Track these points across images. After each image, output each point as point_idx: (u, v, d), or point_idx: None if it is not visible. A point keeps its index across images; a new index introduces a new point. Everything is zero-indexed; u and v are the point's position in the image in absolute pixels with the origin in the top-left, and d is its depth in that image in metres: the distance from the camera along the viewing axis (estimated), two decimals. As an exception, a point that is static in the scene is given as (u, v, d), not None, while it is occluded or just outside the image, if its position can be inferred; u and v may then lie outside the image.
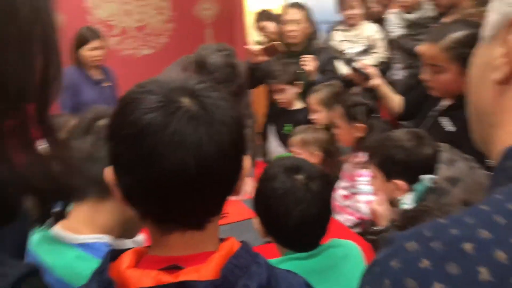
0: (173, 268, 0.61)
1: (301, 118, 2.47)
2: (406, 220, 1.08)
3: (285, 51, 2.69)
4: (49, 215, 0.59)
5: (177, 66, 2.27)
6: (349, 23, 2.97)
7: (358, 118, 1.85)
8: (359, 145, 1.87)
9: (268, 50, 2.53)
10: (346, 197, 1.91)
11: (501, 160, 0.44)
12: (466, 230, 0.35)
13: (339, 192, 1.94)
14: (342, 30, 3.02)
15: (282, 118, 2.58)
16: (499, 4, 0.47)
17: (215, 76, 1.94)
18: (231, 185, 0.65)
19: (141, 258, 0.64)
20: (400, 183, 1.32)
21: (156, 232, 0.64)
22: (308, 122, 2.41)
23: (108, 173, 0.63)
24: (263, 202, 1.05)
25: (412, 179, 1.29)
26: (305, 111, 2.50)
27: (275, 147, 2.64)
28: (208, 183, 0.60)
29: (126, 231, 0.93)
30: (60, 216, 0.94)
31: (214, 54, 1.99)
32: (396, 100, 2.05)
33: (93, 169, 0.83)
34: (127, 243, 0.95)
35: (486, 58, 0.47)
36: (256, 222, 1.08)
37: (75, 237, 0.86)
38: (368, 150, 1.49)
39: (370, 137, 1.82)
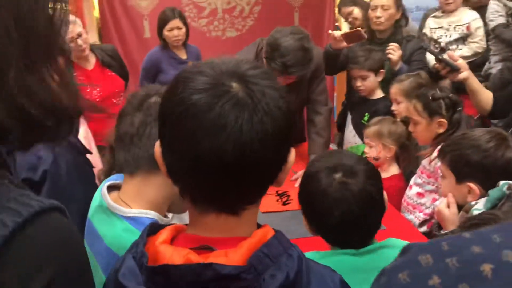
0: (205, 248, 0.62)
1: (381, 108, 2.37)
2: (467, 228, 0.99)
3: (369, 38, 2.58)
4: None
5: (253, 47, 2.27)
6: (446, 9, 2.76)
7: (439, 112, 1.72)
8: (439, 141, 1.74)
9: (351, 37, 2.42)
10: (420, 195, 1.80)
11: None
12: (490, 250, 0.30)
13: (414, 189, 1.83)
14: (437, 17, 2.81)
15: (361, 107, 2.48)
16: None
17: (287, 59, 1.93)
18: (270, 176, 0.64)
19: (178, 235, 0.66)
20: (474, 186, 1.21)
21: (193, 212, 0.65)
22: (388, 113, 2.30)
23: (156, 148, 0.65)
24: (305, 200, 1.04)
25: (488, 184, 1.18)
26: (386, 101, 2.39)
27: (352, 137, 2.56)
28: (245, 171, 0.59)
29: (174, 206, 0.96)
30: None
31: (287, 37, 1.96)
32: (486, 96, 1.86)
33: (142, 144, 0.87)
34: (173, 219, 0.98)
35: None
36: (304, 219, 1.07)
37: (125, 210, 0.90)
38: (441, 147, 1.38)
39: (452, 134, 1.69)
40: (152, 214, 0.89)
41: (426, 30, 2.79)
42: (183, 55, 3.20)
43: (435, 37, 2.72)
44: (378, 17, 2.50)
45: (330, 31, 2.46)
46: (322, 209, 0.99)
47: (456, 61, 1.84)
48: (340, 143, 2.78)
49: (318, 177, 1.00)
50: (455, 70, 1.85)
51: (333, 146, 2.94)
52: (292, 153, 0.66)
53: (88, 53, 2.74)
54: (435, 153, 1.70)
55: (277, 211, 1.90)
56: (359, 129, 2.47)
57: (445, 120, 1.71)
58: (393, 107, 2.19)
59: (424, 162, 1.78)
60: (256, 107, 0.58)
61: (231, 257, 0.59)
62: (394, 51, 2.38)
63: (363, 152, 2.38)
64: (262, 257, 0.59)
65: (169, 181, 0.66)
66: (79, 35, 2.64)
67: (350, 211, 0.97)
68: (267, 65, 2.04)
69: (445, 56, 1.92)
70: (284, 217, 1.83)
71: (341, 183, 0.98)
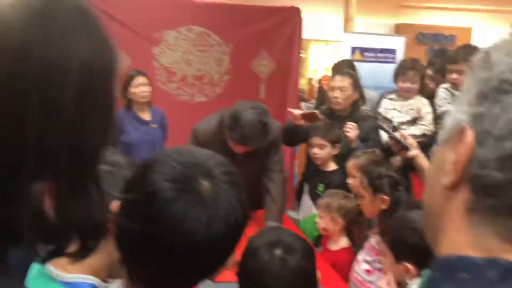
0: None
1: (334, 180, 2.48)
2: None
3: (329, 114, 2.74)
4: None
5: (216, 117, 2.38)
6: (403, 96, 2.98)
7: (383, 190, 1.81)
8: (382, 219, 1.81)
9: (308, 117, 2.59)
10: (369, 272, 1.83)
11: (432, 270, 0.44)
12: None
13: (362, 266, 1.86)
14: (392, 99, 3.02)
15: (316, 178, 2.59)
16: (455, 110, 0.48)
17: (245, 131, 2.08)
18: (206, 271, 0.70)
19: None
20: (410, 267, 1.27)
21: None
22: (342, 185, 2.40)
23: (114, 209, 0.68)
24: (245, 275, 1.07)
25: (423, 265, 1.23)
26: (339, 173, 2.49)
27: (308, 206, 2.62)
28: (189, 263, 0.64)
29: (113, 273, 0.96)
30: (58, 252, 0.99)
31: (248, 111, 2.10)
32: None
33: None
34: (112, 286, 0.98)
35: (440, 160, 0.48)
36: None
37: (62, 275, 0.90)
38: (382, 228, 1.45)
39: (394, 211, 1.77)
40: (90, 279, 0.89)
41: (381, 110, 2.98)
42: (147, 117, 3.23)
43: (389, 116, 2.90)
44: (335, 97, 2.68)
45: (289, 109, 2.62)
46: (263, 285, 1.02)
47: (407, 140, 2.00)
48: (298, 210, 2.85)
49: (258, 252, 1.04)
50: (405, 148, 2.01)
51: (294, 213, 2.99)
52: (233, 255, 0.72)
53: None
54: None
55: (230, 282, 1.87)
56: (314, 199, 2.54)
57: (387, 198, 1.79)
58: (349, 181, 2.27)
59: (373, 240, 1.84)
60: (217, 212, 0.64)
61: None
62: (351, 130, 2.53)
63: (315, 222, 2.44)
64: None
65: (111, 248, 0.68)
66: None
67: (289, 287, 1.00)
68: (228, 135, 2.15)
69: (397, 135, 2.06)
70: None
71: (281, 259, 1.02)
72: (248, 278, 1.06)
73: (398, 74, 2.98)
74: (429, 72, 3.19)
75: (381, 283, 1.35)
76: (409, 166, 2.30)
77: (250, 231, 2.53)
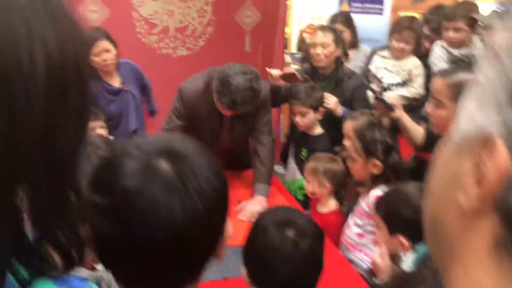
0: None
1: (319, 144, 2.44)
2: (397, 286, 1.01)
3: (311, 73, 2.65)
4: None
5: (203, 77, 2.28)
6: (395, 55, 2.87)
7: (376, 155, 1.77)
8: (375, 182, 1.79)
9: (287, 77, 2.50)
10: (360, 235, 1.83)
11: None
12: None
13: (353, 229, 1.86)
14: (384, 57, 2.92)
15: (301, 142, 2.53)
16: (474, 109, 0.36)
17: (235, 97, 1.99)
18: (207, 253, 0.64)
19: None
20: (404, 240, 1.25)
21: None
22: (326, 150, 2.36)
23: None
24: (251, 254, 1.03)
25: (417, 239, 1.22)
26: (324, 138, 2.45)
27: (293, 170, 2.59)
28: (180, 254, 0.59)
29: None
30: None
31: (238, 76, 2.01)
32: (415, 132, 2.03)
33: None
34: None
35: (454, 169, 0.38)
36: (243, 271, 1.05)
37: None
38: (377, 201, 1.42)
39: (385, 174, 1.76)
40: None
41: (371, 67, 2.89)
42: (116, 82, 2.87)
43: (378, 76, 2.82)
44: (318, 54, 2.56)
45: (267, 69, 2.52)
46: (271, 265, 0.98)
47: (391, 100, 1.96)
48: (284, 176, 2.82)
49: (269, 232, 1.00)
50: (390, 109, 1.97)
51: (280, 168, 2.95)
52: (229, 224, 0.66)
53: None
54: (372, 196, 1.74)
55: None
56: (299, 163, 2.51)
57: (379, 163, 1.76)
58: (345, 142, 2.22)
59: (363, 203, 1.82)
60: (188, 190, 0.57)
61: None
62: (328, 100, 2.46)
63: (301, 186, 2.42)
64: None
65: None
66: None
67: (296, 271, 0.98)
68: (216, 98, 2.06)
69: (381, 95, 2.02)
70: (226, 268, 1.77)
71: (293, 242, 0.98)
72: (254, 257, 1.03)
73: (393, 32, 2.85)
74: (425, 30, 3.06)
75: (375, 255, 1.34)
76: (397, 127, 2.28)
77: (239, 192, 2.50)
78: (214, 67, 2.28)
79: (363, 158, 1.80)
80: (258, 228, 1.03)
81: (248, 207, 2.16)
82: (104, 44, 2.68)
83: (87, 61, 0.50)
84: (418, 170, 2.66)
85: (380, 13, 4.51)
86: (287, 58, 6.50)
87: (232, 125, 2.36)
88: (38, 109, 0.42)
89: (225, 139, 2.43)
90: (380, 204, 1.35)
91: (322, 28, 2.65)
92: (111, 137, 2.20)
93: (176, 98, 2.31)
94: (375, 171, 1.78)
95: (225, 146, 2.50)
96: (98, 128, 2.55)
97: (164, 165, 0.58)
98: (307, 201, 2.29)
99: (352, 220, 1.88)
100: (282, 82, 2.51)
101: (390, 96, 2.77)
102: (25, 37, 0.40)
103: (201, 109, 2.26)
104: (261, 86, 2.08)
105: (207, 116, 2.28)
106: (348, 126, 2.19)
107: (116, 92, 2.89)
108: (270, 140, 2.39)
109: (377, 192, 1.73)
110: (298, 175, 2.52)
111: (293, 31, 13.37)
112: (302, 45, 4.76)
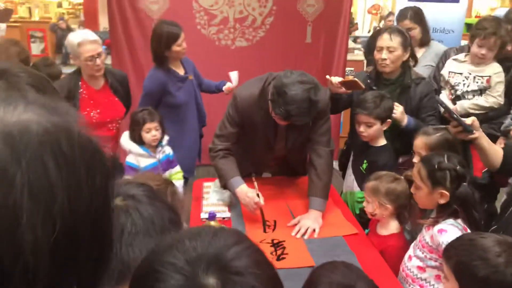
0: None
1: (381, 157, 2.26)
2: None
3: (376, 78, 2.46)
4: None
5: (259, 82, 2.17)
6: (474, 61, 2.57)
7: (443, 184, 1.60)
8: (440, 213, 1.63)
9: (348, 84, 2.32)
10: (421, 269, 1.67)
11: None
12: None
13: (414, 261, 1.71)
14: (459, 61, 2.62)
15: (362, 153, 2.37)
16: None
17: (291, 108, 1.88)
18: None
19: None
20: (477, 302, 1.11)
21: None
22: (388, 165, 2.20)
23: None
24: None
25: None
26: (387, 151, 2.28)
27: (350, 181, 2.45)
28: None
29: None
30: None
31: (295, 86, 1.87)
32: (494, 154, 1.81)
33: None
34: None
35: None
36: None
37: None
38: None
39: (453, 205, 1.59)
40: None
41: (444, 72, 2.62)
42: (181, 70, 3.01)
43: (452, 82, 2.55)
44: (384, 59, 2.35)
45: (327, 77, 2.36)
46: None
47: (472, 123, 1.76)
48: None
49: None
50: (468, 131, 1.77)
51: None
52: None
53: (100, 73, 2.68)
54: (436, 230, 1.58)
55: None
56: (357, 175, 2.36)
57: (447, 193, 1.59)
58: (415, 160, 2.04)
59: (426, 235, 1.66)
60: None
61: None
62: (395, 109, 2.27)
63: (359, 200, 2.28)
64: None
65: None
66: (99, 55, 2.58)
67: None
68: (271, 108, 1.97)
69: (455, 113, 1.81)
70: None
71: None
72: None
73: (475, 36, 2.52)
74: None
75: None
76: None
77: (293, 203, 2.40)
78: (271, 73, 2.17)
79: (428, 186, 1.63)
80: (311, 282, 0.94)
81: (304, 224, 2.06)
82: (183, 35, 2.81)
83: (107, 204, 0.44)
84: (491, 188, 2.44)
85: (456, 1, 4.13)
86: (350, 43, 6.21)
87: (287, 134, 2.25)
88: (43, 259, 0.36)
89: (280, 148, 2.33)
90: (450, 254, 1.20)
91: (389, 30, 2.42)
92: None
93: (231, 104, 2.23)
94: (441, 201, 1.61)
95: (279, 154, 2.41)
96: (154, 130, 2.56)
97: (212, 280, 0.53)
98: (364, 217, 2.15)
99: (413, 250, 1.73)
100: (343, 90, 2.35)
101: (464, 105, 2.52)
102: (23, 214, 0.35)
103: (255, 116, 2.17)
104: (319, 97, 1.93)
105: (262, 124, 2.19)
106: (420, 143, 2.01)
107: (183, 80, 2.96)
108: (327, 151, 2.24)
109: (443, 226, 1.57)
110: (356, 187, 2.38)
111: (357, 11, 12.79)
112: (370, 39, 4.44)
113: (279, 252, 1.88)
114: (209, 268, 0.54)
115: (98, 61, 2.57)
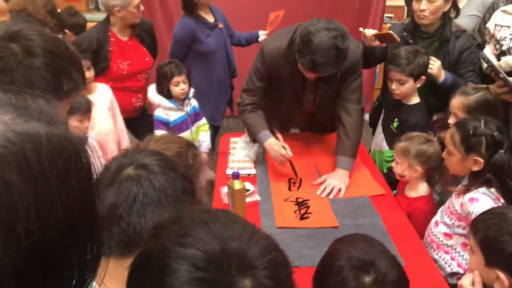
0: None
1: (413, 116, 2.17)
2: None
3: (412, 31, 2.30)
4: None
5: (287, 34, 2.07)
6: None
7: (477, 150, 1.52)
8: (473, 181, 1.56)
9: (383, 37, 2.18)
10: (448, 235, 1.63)
11: None
12: None
13: (441, 227, 1.66)
14: (507, 13, 2.39)
15: (393, 111, 2.27)
16: None
17: (317, 57, 1.78)
18: None
19: None
20: (503, 277, 1.07)
21: None
22: (420, 124, 2.13)
23: None
24: None
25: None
26: (420, 108, 2.19)
27: (380, 140, 2.37)
28: None
29: None
30: None
31: (321, 33, 1.77)
32: None
33: (115, 224, 0.79)
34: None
35: None
36: None
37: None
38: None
39: (486, 173, 1.51)
40: None
41: (490, 25, 2.41)
42: (211, 18, 2.94)
43: (497, 36, 2.34)
44: (422, 10, 2.17)
45: (361, 29, 2.22)
46: None
47: None
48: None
49: (343, 274, 0.89)
50: None
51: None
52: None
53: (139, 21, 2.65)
54: (467, 199, 1.52)
55: (292, 227, 1.76)
56: (387, 134, 2.29)
57: (482, 160, 1.51)
58: (450, 121, 1.94)
59: (456, 202, 1.60)
60: None
61: None
62: (432, 64, 2.13)
63: (388, 159, 2.22)
64: None
65: None
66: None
67: None
68: (297, 58, 1.89)
69: (502, 72, 1.67)
70: (299, 236, 1.69)
71: None
72: None
73: None
74: None
75: (464, 281, 1.17)
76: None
77: (319, 162, 2.36)
78: (301, 23, 2.06)
79: (461, 152, 1.55)
80: (332, 267, 0.92)
81: (330, 183, 2.03)
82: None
83: (89, 205, 0.42)
84: None
85: None
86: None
87: (316, 89, 2.17)
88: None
89: (308, 103, 2.26)
90: (478, 226, 1.15)
91: None
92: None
93: (258, 57, 2.15)
94: (475, 168, 1.53)
95: (307, 109, 2.35)
96: (182, 83, 2.54)
97: (245, 281, 0.52)
98: (392, 177, 2.09)
99: (441, 216, 1.68)
100: (377, 43, 2.21)
101: (510, 62, 2.33)
102: None
103: (283, 70, 2.08)
104: (347, 44, 1.82)
105: (289, 78, 2.10)
106: (457, 104, 1.90)
107: (212, 27, 2.92)
108: (358, 109, 2.15)
109: (475, 195, 1.51)
110: (385, 147, 2.31)
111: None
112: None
113: (302, 211, 1.88)
114: (243, 267, 0.53)
115: (142, 7, 2.56)
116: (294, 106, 2.29)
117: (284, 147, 2.06)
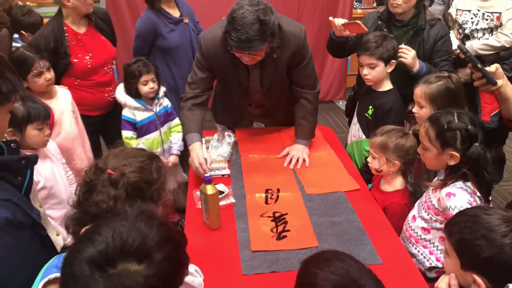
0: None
1: (386, 101, 2.14)
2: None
3: (387, 20, 2.26)
4: None
5: (222, 22, 1.98)
6: None
7: (453, 145, 1.49)
8: (449, 175, 1.53)
9: (352, 27, 2.14)
10: (426, 230, 1.61)
11: None
12: None
13: (418, 222, 1.63)
14: None
15: (367, 99, 2.24)
16: None
17: (240, 33, 1.73)
18: None
19: None
20: (479, 280, 1.04)
21: None
22: (392, 110, 2.10)
23: None
24: None
25: (495, 281, 1.01)
26: (393, 95, 2.16)
27: (356, 130, 2.34)
28: None
29: None
30: None
31: (243, 9, 1.73)
32: None
33: None
34: None
35: None
36: None
37: None
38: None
39: (464, 167, 1.48)
40: None
41: (452, 10, 2.40)
42: (176, 13, 2.84)
43: (460, 20, 2.34)
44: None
45: (331, 18, 2.17)
46: None
47: (495, 72, 1.59)
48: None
49: None
50: (493, 84, 1.61)
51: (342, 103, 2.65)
52: None
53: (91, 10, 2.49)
54: (444, 193, 1.50)
55: (269, 251, 1.58)
56: (363, 123, 2.26)
57: (458, 154, 1.48)
58: (415, 109, 1.94)
59: (432, 196, 1.58)
60: None
61: None
62: (406, 54, 2.10)
63: (367, 148, 2.19)
64: None
65: None
66: None
67: None
68: (227, 41, 1.83)
69: (478, 61, 1.65)
70: (274, 259, 1.52)
71: None
72: None
73: None
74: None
75: (441, 283, 1.14)
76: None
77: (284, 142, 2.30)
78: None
79: (437, 147, 1.52)
80: (308, 281, 0.87)
81: (294, 154, 2.14)
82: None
83: None
84: (499, 132, 2.28)
85: None
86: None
87: (261, 76, 2.12)
88: None
89: (256, 94, 2.21)
90: (452, 229, 1.10)
91: None
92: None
93: (198, 49, 2.10)
94: (451, 162, 1.51)
95: (257, 102, 2.30)
96: (151, 82, 2.45)
97: None
98: (368, 172, 2.05)
99: (418, 210, 1.65)
100: (347, 33, 2.17)
101: (474, 46, 2.33)
102: None
103: (223, 59, 2.02)
104: (272, 18, 1.77)
105: (232, 68, 2.05)
106: (420, 92, 1.89)
107: (176, 22, 2.83)
108: (314, 93, 2.20)
109: (452, 189, 1.48)
110: (362, 136, 2.28)
111: None
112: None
113: (280, 228, 1.71)
114: None
115: None
116: (244, 97, 2.24)
117: (205, 159, 1.97)
